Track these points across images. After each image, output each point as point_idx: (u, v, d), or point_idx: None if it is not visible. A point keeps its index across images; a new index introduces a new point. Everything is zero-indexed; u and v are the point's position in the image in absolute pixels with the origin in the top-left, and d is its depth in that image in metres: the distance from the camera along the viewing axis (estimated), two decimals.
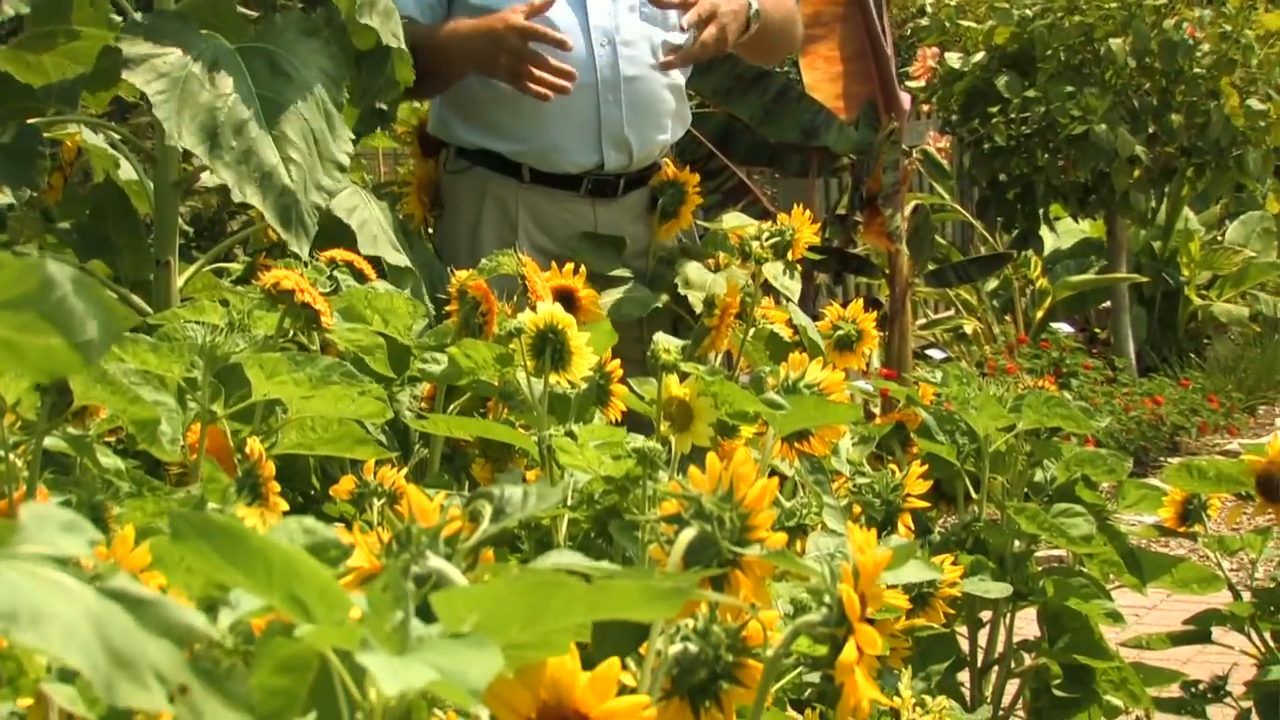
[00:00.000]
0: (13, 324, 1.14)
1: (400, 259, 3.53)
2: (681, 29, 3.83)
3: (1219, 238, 11.82)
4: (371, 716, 1.25)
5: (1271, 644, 3.50)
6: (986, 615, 3.58)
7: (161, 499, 2.07)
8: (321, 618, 1.20)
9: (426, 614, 1.27)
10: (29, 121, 3.38)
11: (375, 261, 3.36)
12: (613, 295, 3.65)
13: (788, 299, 3.58)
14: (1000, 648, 3.61)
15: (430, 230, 4.02)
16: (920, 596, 2.80)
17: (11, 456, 2.11)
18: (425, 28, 3.80)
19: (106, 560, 1.59)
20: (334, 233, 3.34)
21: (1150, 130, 9.59)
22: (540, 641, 1.32)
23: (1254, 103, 9.66)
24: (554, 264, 3.09)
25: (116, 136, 3.68)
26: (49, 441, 2.16)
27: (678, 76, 4.04)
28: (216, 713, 1.15)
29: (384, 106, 3.87)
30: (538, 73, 3.67)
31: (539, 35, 3.67)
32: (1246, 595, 3.53)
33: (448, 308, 2.86)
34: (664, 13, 3.97)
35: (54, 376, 1.19)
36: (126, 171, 3.66)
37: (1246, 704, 3.54)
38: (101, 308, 1.17)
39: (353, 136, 3.32)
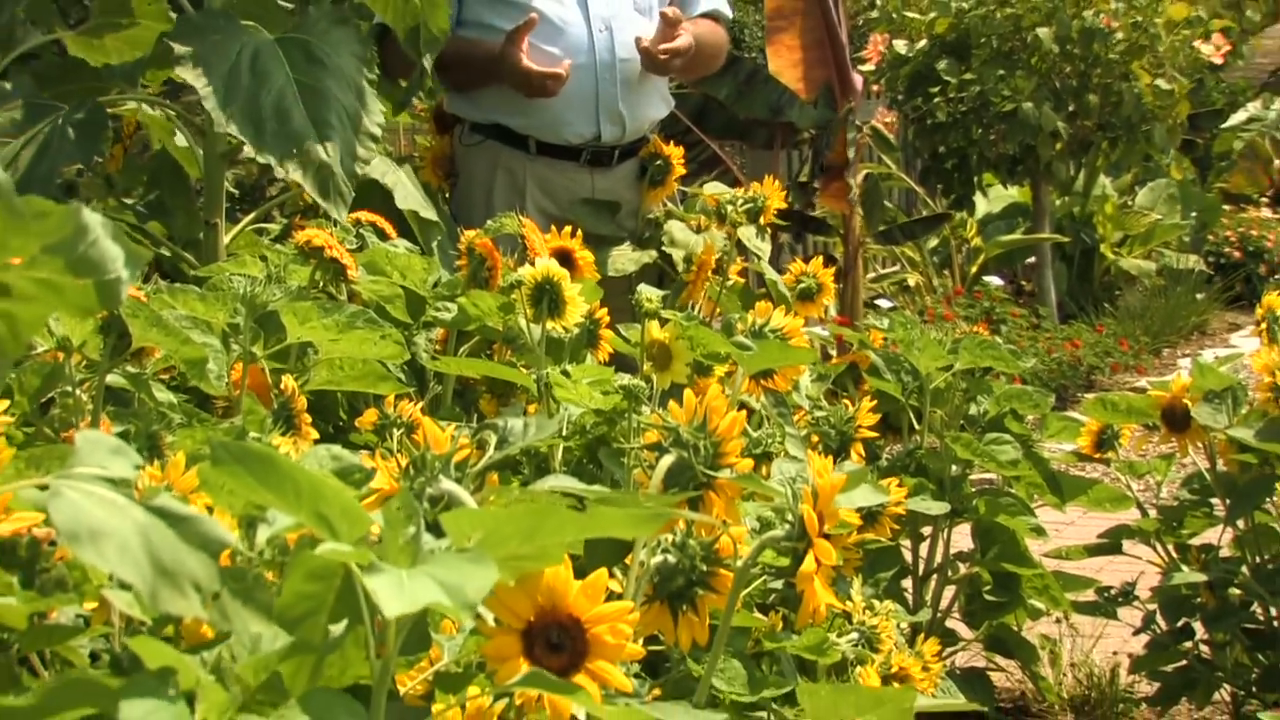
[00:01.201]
0: (54, 266, 1.13)
1: (430, 213, 3.53)
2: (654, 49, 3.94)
3: (1130, 202, 11.83)
4: (390, 619, 1.24)
5: (1174, 555, 3.51)
6: (927, 530, 3.60)
7: (209, 429, 2.06)
8: (344, 533, 1.19)
9: (440, 531, 1.27)
10: (96, 99, 3.37)
11: (398, 221, 3.35)
12: (608, 253, 3.66)
13: (758, 257, 3.59)
14: (939, 558, 3.62)
15: (446, 196, 4.02)
16: (870, 514, 2.80)
17: (78, 391, 2.11)
18: (466, 43, 3.87)
19: (161, 482, 1.58)
20: (363, 195, 3.33)
21: (1071, 108, 9.60)
22: (537, 555, 1.31)
23: (1161, 83, 9.67)
24: (554, 227, 3.09)
25: (171, 112, 3.66)
26: (111, 378, 2.16)
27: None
28: (243, 618, 1.15)
29: (404, 83, 3.89)
30: (545, 85, 3.80)
31: (543, 75, 3.81)
32: (1153, 512, 3.54)
33: (458, 262, 2.85)
34: (652, 4, 4.05)
35: (91, 313, 1.18)
36: (179, 143, 3.64)
37: (1152, 606, 3.55)
38: (126, 250, 1.16)
39: (383, 109, 3.31)
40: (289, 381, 2.31)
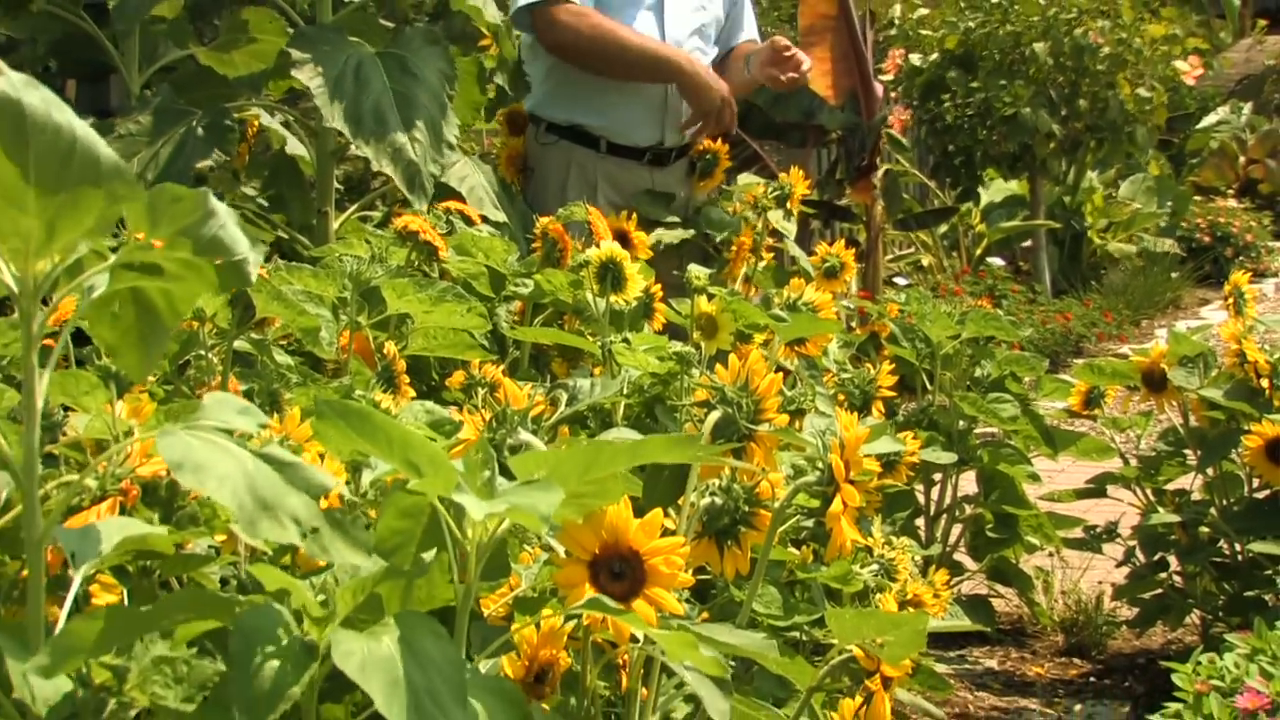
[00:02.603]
0: (191, 248, 1.13)
1: (499, 215, 3.52)
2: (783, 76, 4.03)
3: (1113, 194, 11.72)
4: (470, 550, 1.24)
5: (1152, 498, 3.49)
6: (938, 477, 3.59)
7: (320, 387, 2.06)
8: (429, 476, 1.19)
9: (512, 477, 1.26)
10: (225, 105, 3.38)
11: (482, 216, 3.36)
12: (658, 233, 3.65)
13: (785, 236, 3.58)
14: (948, 501, 3.61)
15: (520, 190, 4.02)
16: (889, 462, 2.79)
17: (210, 355, 2.11)
18: (655, 42, 3.91)
19: (279, 433, 1.58)
20: (451, 188, 3.34)
21: (1063, 113, 9.52)
22: (596, 490, 1.30)
23: (1142, 91, 9.59)
24: (620, 214, 3.10)
25: (289, 117, 3.67)
26: (238, 344, 2.16)
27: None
28: (340, 550, 1.14)
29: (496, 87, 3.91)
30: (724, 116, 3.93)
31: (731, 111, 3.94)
32: (1133, 462, 3.51)
33: (533, 245, 2.85)
34: (710, 29, 4.09)
35: (223, 289, 1.17)
36: (295, 144, 3.65)
37: (1132, 543, 3.53)
38: (248, 232, 1.16)
39: (459, 123, 3.32)
40: (390, 347, 2.30)
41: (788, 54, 4.00)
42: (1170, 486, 3.48)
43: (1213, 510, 3.32)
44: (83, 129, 1.04)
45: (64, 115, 1.03)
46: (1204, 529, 3.34)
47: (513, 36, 3.90)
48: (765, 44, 4.08)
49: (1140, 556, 3.51)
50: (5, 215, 1.04)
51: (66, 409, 1.68)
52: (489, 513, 1.11)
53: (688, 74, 3.83)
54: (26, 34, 3.70)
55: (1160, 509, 3.41)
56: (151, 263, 1.13)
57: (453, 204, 3.18)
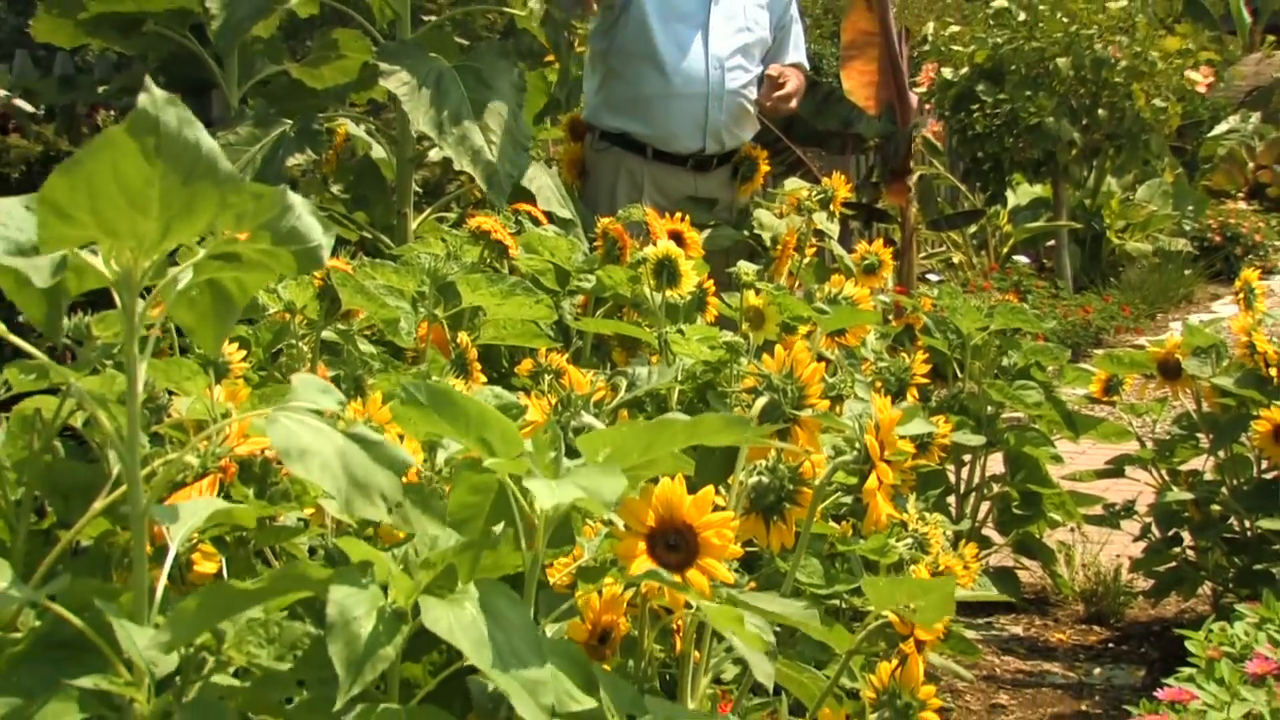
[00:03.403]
0: (270, 239, 1.13)
1: (566, 213, 3.53)
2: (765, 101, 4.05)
3: (1131, 197, 11.62)
4: (538, 523, 1.23)
5: (1167, 478, 3.45)
6: (967, 457, 3.56)
7: (400, 373, 2.06)
8: (501, 454, 1.18)
9: (576, 455, 1.26)
10: (314, 115, 3.39)
11: (548, 214, 3.35)
12: (709, 233, 3.64)
13: (828, 236, 3.57)
14: (977, 480, 3.59)
15: (578, 192, 4.03)
16: (922, 444, 2.77)
17: (300, 344, 2.12)
18: None
19: (363, 415, 1.58)
20: (520, 192, 3.34)
21: (1084, 122, 9.45)
22: (654, 465, 1.29)
23: (1157, 102, 9.50)
24: (666, 216, 3.08)
25: (372, 125, 3.68)
26: (325, 334, 2.17)
27: (753, 95, 4.06)
28: (421, 522, 1.14)
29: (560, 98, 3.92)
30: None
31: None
32: (1150, 444, 3.47)
33: (594, 243, 2.84)
34: (755, 49, 4.07)
35: (300, 273, 1.17)
36: (377, 151, 3.66)
37: (1148, 519, 3.49)
38: (322, 224, 1.15)
39: (532, 128, 3.33)
40: (464, 337, 2.30)
41: (775, 80, 4.01)
42: (1184, 467, 3.44)
43: (1224, 489, 3.29)
44: (208, 143, 1.05)
45: (193, 131, 1.03)
46: (1215, 507, 3.31)
47: (573, 52, 3.92)
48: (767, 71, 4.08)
49: (1156, 532, 3.48)
50: (127, 218, 1.04)
51: (171, 393, 1.69)
52: (557, 502, 1.10)
53: None
54: (139, 52, 3.74)
55: (1175, 488, 3.38)
56: (234, 253, 1.13)
57: (521, 205, 3.19)
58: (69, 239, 1.05)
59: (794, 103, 4.09)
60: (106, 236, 1.06)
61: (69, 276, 1.16)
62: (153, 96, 1.01)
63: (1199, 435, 3.37)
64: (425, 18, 3.66)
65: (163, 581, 1.21)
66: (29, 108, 3.93)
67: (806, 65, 4.32)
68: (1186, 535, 3.42)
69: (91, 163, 1.00)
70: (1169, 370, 3.33)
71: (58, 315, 1.22)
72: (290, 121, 3.29)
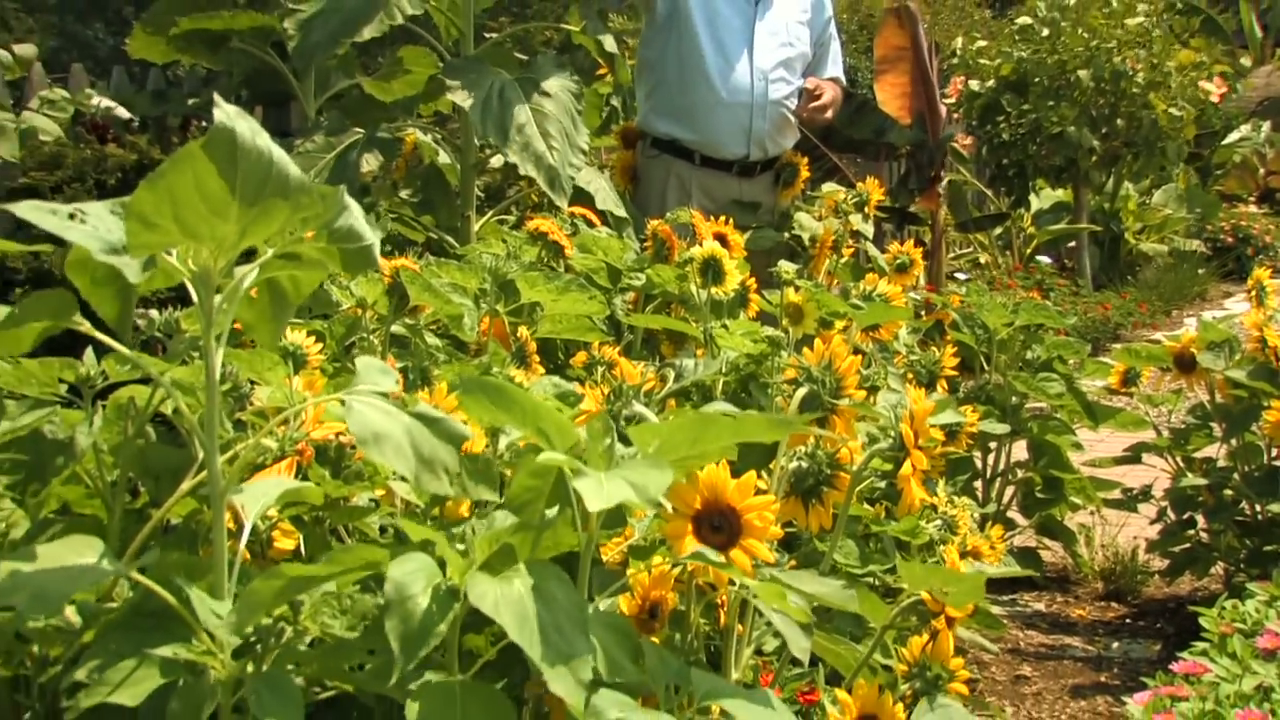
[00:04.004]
0: (331, 238, 1.13)
1: (623, 212, 3.53)
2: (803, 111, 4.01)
3: (1147, 201, 11.52)
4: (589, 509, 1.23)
5: (1182, 465, 3.42)
6: (993, 445, 3.53)
7: (464, 365, 2.06)
8: (557, 443, 1.18)
9: (628, 442, 1.25)
10: (384, 125, 3.41)
11: (601, 216, 3.35)
12: (751, 235, 3.63)
13: (865, 237, 3.55)
14: (1002, 466, 3.56)
15: (630, 196, 4.02)
16: (951, 432, 2.74)
17: (371, 337, 2.12)
18: None
19: (430, 404, 1.58)
20: (579, 194, 3.34)
21: (1104, 130, 9.37)
22: (702, 456, 1.28)
23: (1173, 111, 9.40)
24: (713, 218, 3.08)
25: (438, 135, 3.69)
26: (394, 328, 2.17)
27: (794, 105, 4.04)
28: (477, 489, 1.14)
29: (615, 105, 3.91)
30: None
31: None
32: (1166, 433, 3.43)
33: (644, 244, 2.83)
34: (796, 63, 4.04)
35: (356, 272, 1.17)
36: (443, 158, 3.67)
37: (1164, 503, 3.45)
38: (373, 224, 1.16)
39: (588, 133, 3.33)
40: (523, 331, 2.30)
41: (813, 92, 3.99)
42: (1198, 455, 3.40)
43: (1236, 476, 3.25)
44: (278, 152, 1.05)
45: (264, 141, 1.04)
46: (1228, 492, 3.27)
47: (626, 64, 3.91)
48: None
49: (1171, 515, 3.44)
50: (208, 223, 1.05)
51: (253, 383, 1.70)
52: (604, 506, 1.10)
53: None
54: (224, 67, 3.76)
55: (1189, 474, 3.34)
56: (295, 252, 1.14)
57: (576, 209, 3.19)
58: (154, 244, 1.06)
59: (830, 113, 4.06)
60: (189, 240, 1.07)
61: None
62: (225, 111, 1.01)
63: (1212, 425, 3.33)
64: (487, 35, 3.67)
65: (239, 555, 1.21)
66: (126, 114, 3.97)
67: (843, 79, 4.29)
68: (1200, 518, 3.38)
69: (174, 174, 1.01)
70: (1184, 363, 3.29)
71: (129, 313, 1.23)
72: (362, 131, 3.31)
